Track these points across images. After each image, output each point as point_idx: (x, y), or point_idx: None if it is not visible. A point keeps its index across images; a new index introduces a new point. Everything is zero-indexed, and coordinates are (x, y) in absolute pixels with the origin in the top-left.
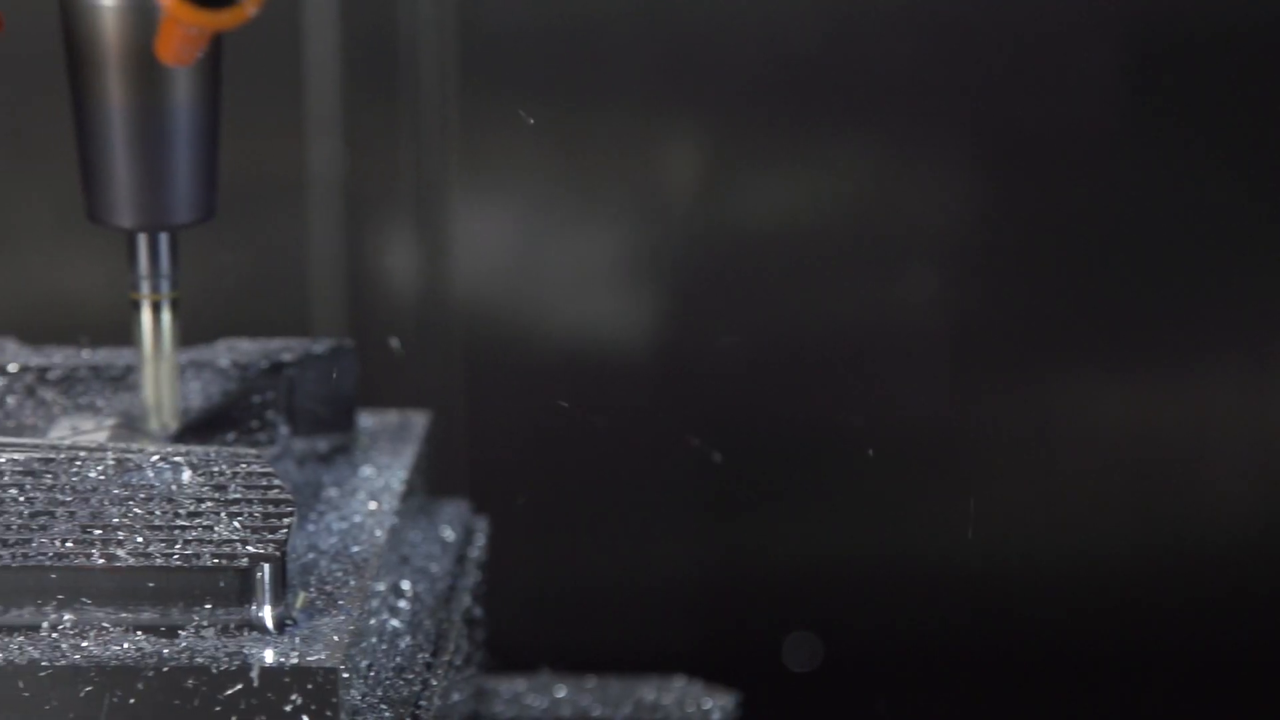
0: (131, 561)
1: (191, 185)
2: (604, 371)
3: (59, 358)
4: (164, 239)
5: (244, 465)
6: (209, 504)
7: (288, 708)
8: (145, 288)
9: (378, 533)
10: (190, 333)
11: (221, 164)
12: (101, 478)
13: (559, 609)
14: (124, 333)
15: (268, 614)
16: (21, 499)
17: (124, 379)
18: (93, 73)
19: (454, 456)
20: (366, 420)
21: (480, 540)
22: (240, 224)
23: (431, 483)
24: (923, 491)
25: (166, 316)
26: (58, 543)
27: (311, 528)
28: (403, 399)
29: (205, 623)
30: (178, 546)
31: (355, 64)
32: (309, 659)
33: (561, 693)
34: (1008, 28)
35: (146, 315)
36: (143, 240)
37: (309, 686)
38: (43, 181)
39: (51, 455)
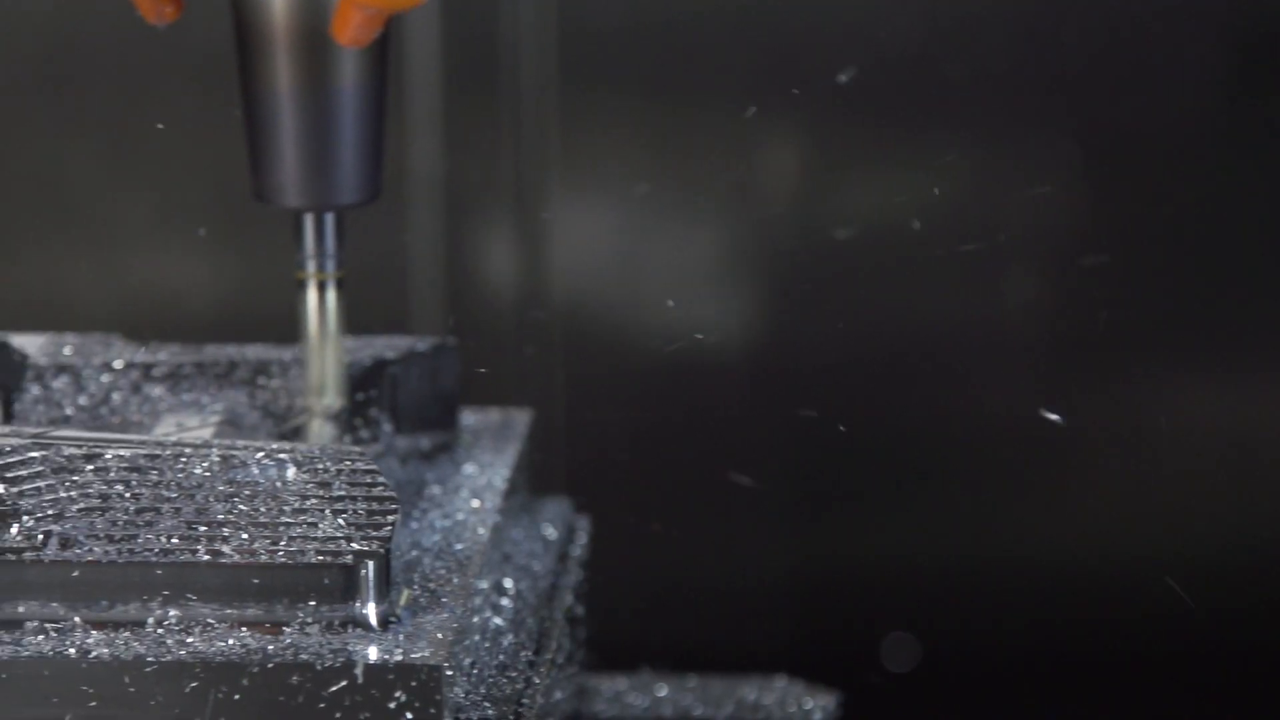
0: (237, 558)
1: (358, 165)
2: (701, 370)
3: (164, 354)
4: (330, 219)
5: (348, 462)
6: (313, 501)
7: (391, 705)
8: (311, 267)
9: (481, 530)
10: (288, 331)
11: None
12: (207, 474)
13: (659, 608)
14: (226, 329)
15: (372, 611)
16: (128, 495)
17: (229, 375)
18: (262, 54)
19: (552, 454)
20: (469, 418)
21: (582, 539)
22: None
23: (532, 481)
24: (1019, 492)
25: (332, 295)
26: (163, 539)
27: (415, 525)
28: (501, 397)
29: (309, 619)
30: (282, 543)
31: (456, 63)
32: (413, 656)
33: (663, 692)
34: (1104, 25)
35: (312, 294)
36: (309, 220)
37: (413, 684)
38: (145, 180)
39: (157, 451)
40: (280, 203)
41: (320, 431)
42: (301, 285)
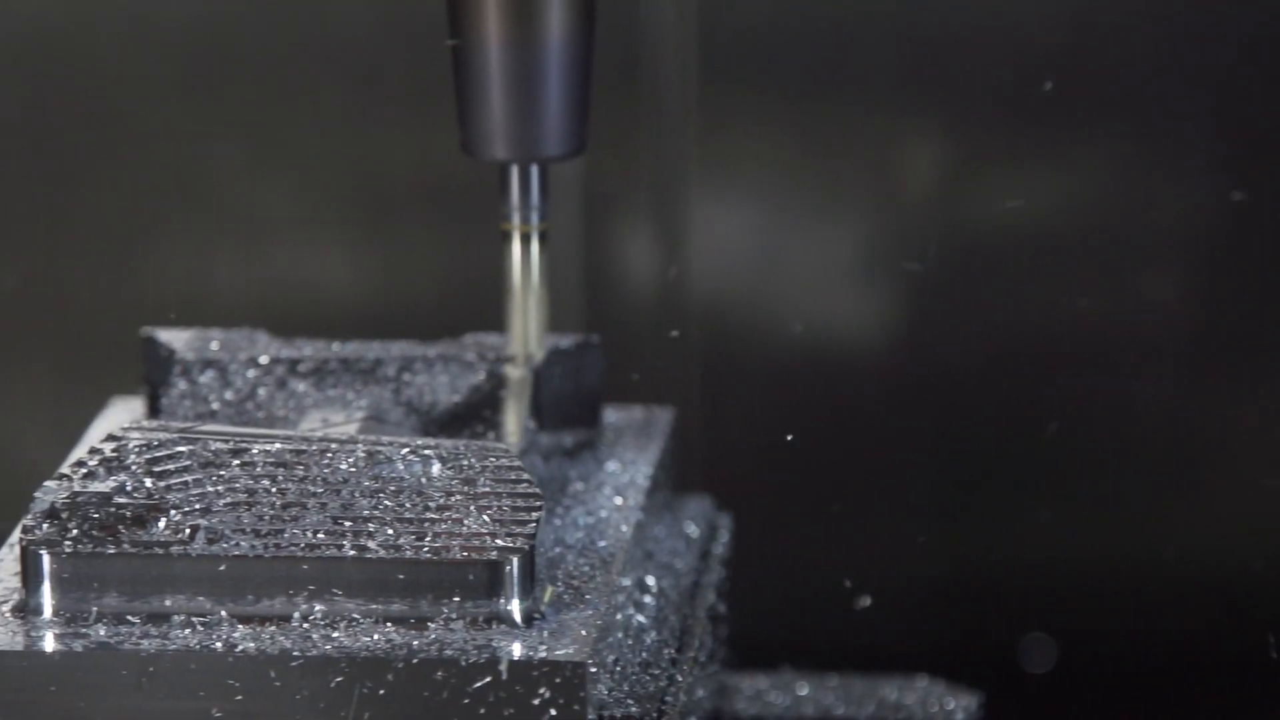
0: (382, 553)
1: (564, 118)
2: (840, 368)
3: (309, 350)
4: (535, 171)
5: (493, 459)
6: (458, 497)
7: (535, 701)
8: (516, 219)
9: (624, 528)
10: (432, 327)
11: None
12: (352, 470)
13: (800, 606)
14: (368, 325)
15: (516, 607)
16: (274, 490)
17: (373, 371)
18: (472, 7)
19: (691, 452)
20: (611, 415)
21: (724, 537)
22: (480, 220)
23: (674, 479)
24: (1161, 493)
25: (535, 247)
26: (309, 534)
27: (558, 522)
28: (639, 395)
29: (454, 615)
30: (427, 539)
31: (597, 61)
32: (557, 653)
33: (804, 690)
34: (1250, 24)
35: (516, 246)
36: (514, 171)
37: (557, 680)
38: (287, 177)
39: (303, 447)
40: (488, 154)
41: (522, 381)
42: (506, 237)
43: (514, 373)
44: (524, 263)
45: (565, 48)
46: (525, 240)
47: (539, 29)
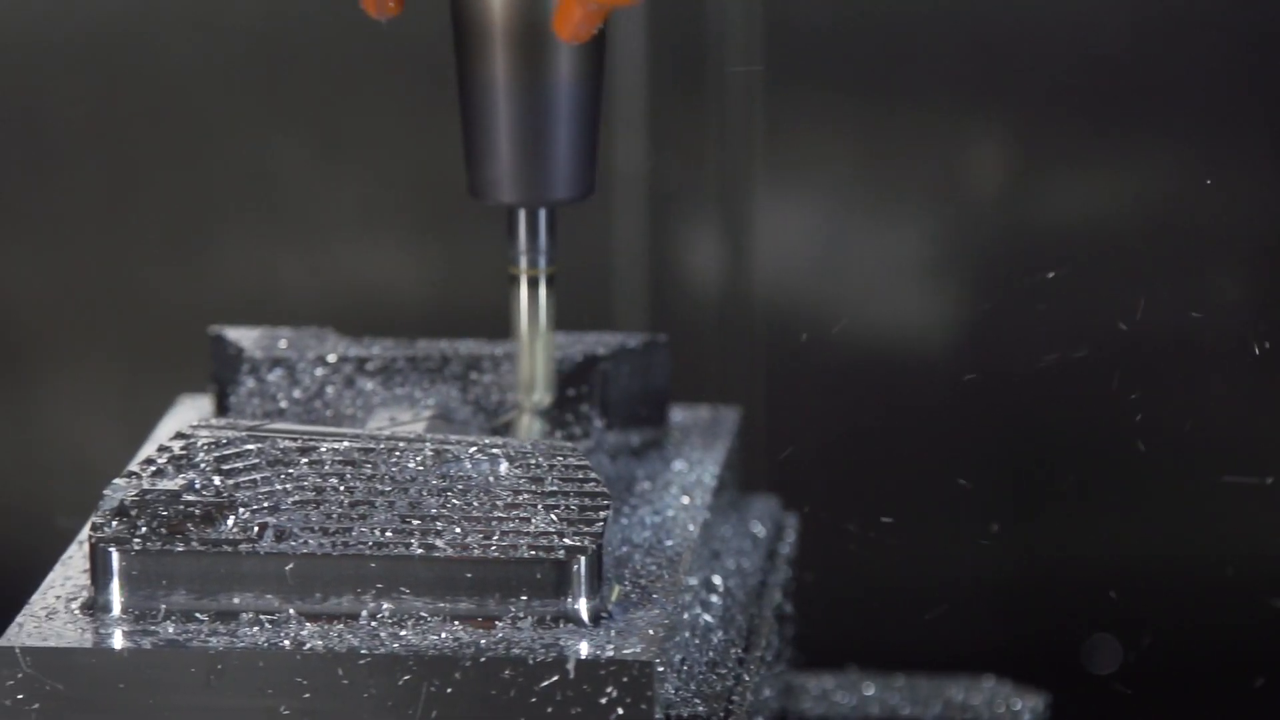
0: (450, 552)
1: (572, 161)
2: (905, 368)
3: (377, 349)
4: (543, 214)
5: (560, 458)
6: (526, 496)
7: (603, 700)
8: (523, 262)
9: (690, 527)
10: (498, 326)
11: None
12: (420, 468)
13: (865, 606)
14: (435, 324)
15: (583, 606)
16: (342, 488)
17: (441, 370)
18: (479, 49)
19: (755, 452)
20: (678, 415)
21: (790, 536)
22: None
23: (740, 479)
24: (1226, 493)
25: (544, 291)
26: (377, 532)
27: (625, 521)
28: (703, 394)
29: (521, 614)
30: (495, 538)
31: (662, 61)
32: (624, 652)
33: (870, 690)
34: None
35: (524, 290)
36: (522, 215)
37: (624, 680)
38: (353, 176)
39: (371, 445)
40: (494, 198)
41: (529, 427)
42: (513, 281)
43: (523, 419)
44: (531, 307)
45: (574, 90)
46: (533, 284)
47: (547, 71)
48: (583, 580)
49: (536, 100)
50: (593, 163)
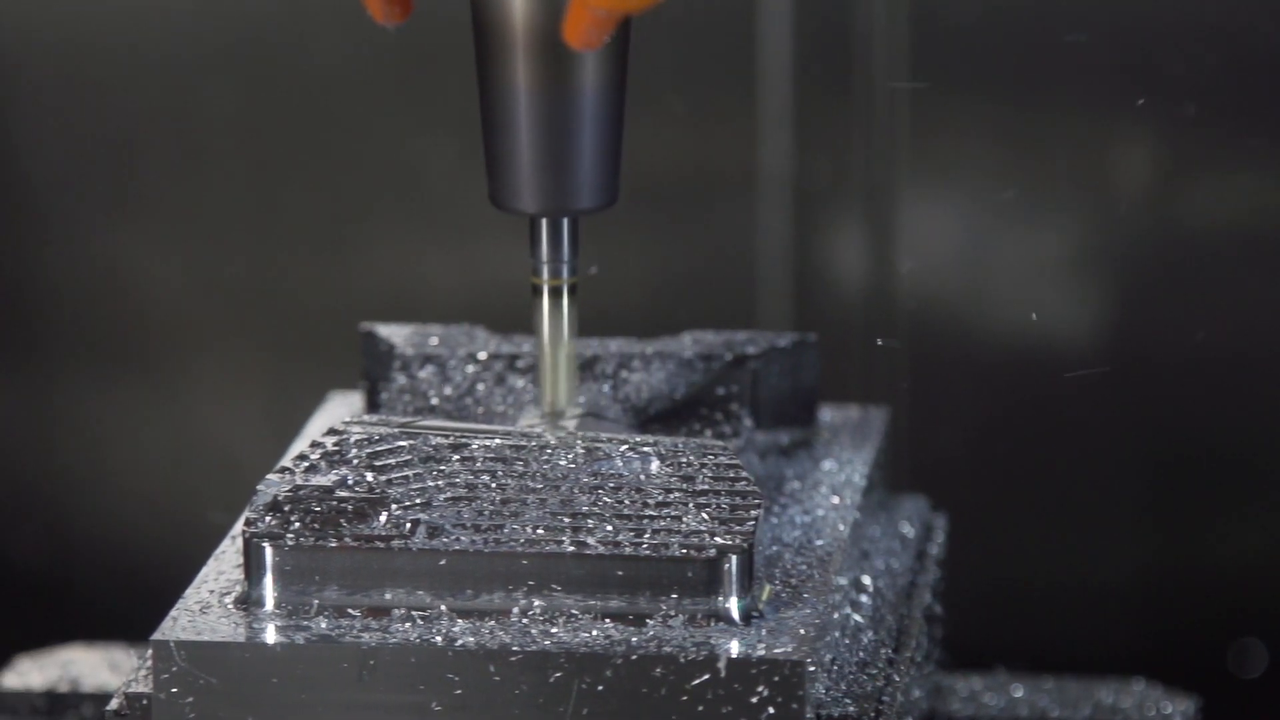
0: (601, 550)
1: (595, 170)
2: (1050, 368)
3: (528, 346)
4: (565, 224)
5: (712, 456)
6: (677, 494)
7: (753, 700)
8: (545, 273)
9: (840, 527)
10: (645, 325)
11: (674, 158)
12: (571, 466)
13: (1013, 607)
14: (583, 322)
15: (734, 605)
16: (494, 485)
17: (591, 368)
18: (499, 57)
19: (900, 452)
20: (827, 414)
21: (939, 537)
22: (692, 216)
23: (889, 479)
24: None
25: (566, 302)
26: (529, 529)
27: (775, 520)
28: (847, 394)
29: (672, 612)
30: (646, 536)
31: (808, 61)
32: (776, 651)
33: (1019, 692)
34: None
35: (546, 300)
36: (544, 225)
37: (775, 679)
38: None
39: (523, 443)
40: (516, 207)
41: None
42: (536, 291)
43: (543, 429)
44: (554, 317)
45: (597, 98)
46: (555, 294)
47: (569, 79)
48: (734, 579)
49: (558, 109)
50: (616, 172)
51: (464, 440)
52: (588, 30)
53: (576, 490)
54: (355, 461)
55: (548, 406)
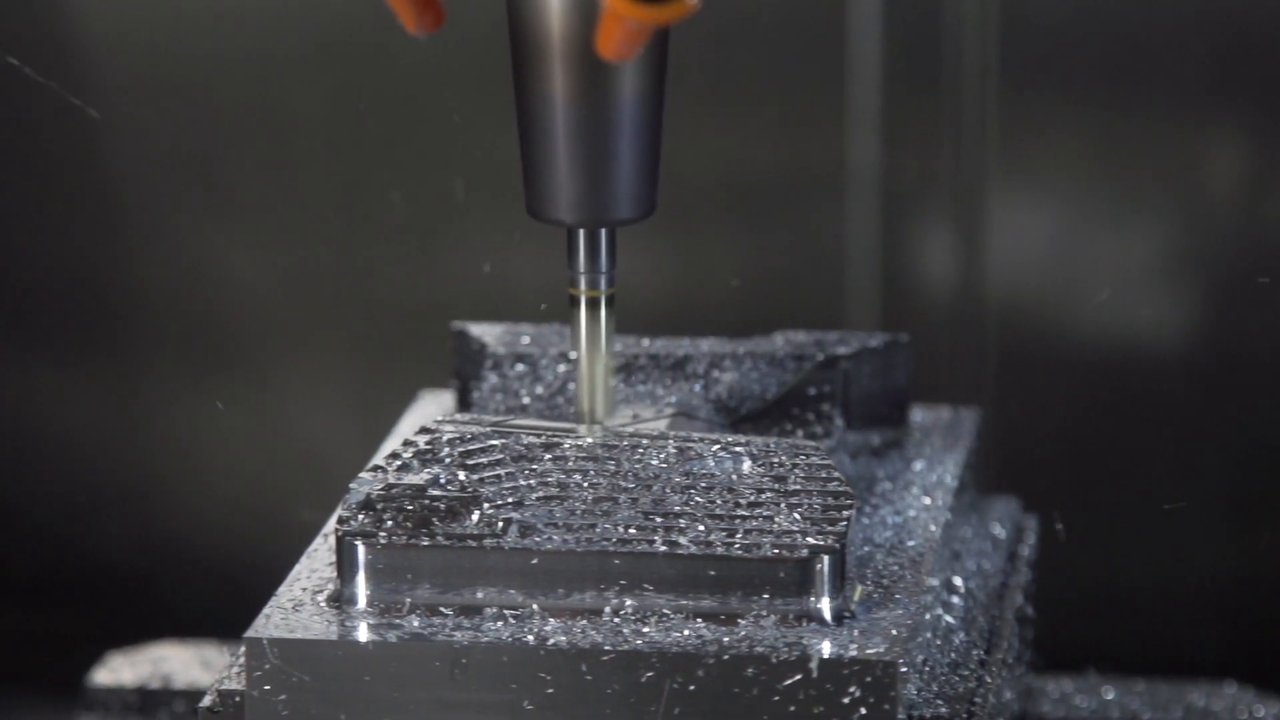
0: (693, 549)
1: (633, 181)
2: (1139, 369)
3: (618, 346)
4: (603, 235)
5: (804, 457)
6: (769, 494)
7: (845, 700)
8: (583, 283)
9: (932, 528)
10: (735, 324)
11: (764, 158)
12: (663, 465)
13: (1105, 609)
14: (669, 322)
15: (826, 605)
16: (586, 485)
17: (682, 367)
18: (536, 68)
19: (989, 452)
20: (918, 414)
21: (1031, 538)
22: (780, 216)
23: (979, 480)
24: None
25: (604, 312)
26: (621, 529)
27: (866, 521)
28: (936, 394)
29: (764, 612)
30: (738, 536)
31: (897, 60)
32: (868, 652)
33: (1110, 694)
34: None
35: (583, 311)
36: (582, 236)
37: (868, 680)
38: None
39: (614, 442)
40: (553, 218)
41: None
42: (573, 302)
43: (581, 437)
44: (591, 328)
45: (635, 109)
46: (593, 305)
47: (606, 90)
48: (826, 579)
49: (595, 120)
50: (654, 182)
51: (556, 439)
52: (620, 42)
53: (668, 490)
54: (448, 460)
55: (585, 416)
